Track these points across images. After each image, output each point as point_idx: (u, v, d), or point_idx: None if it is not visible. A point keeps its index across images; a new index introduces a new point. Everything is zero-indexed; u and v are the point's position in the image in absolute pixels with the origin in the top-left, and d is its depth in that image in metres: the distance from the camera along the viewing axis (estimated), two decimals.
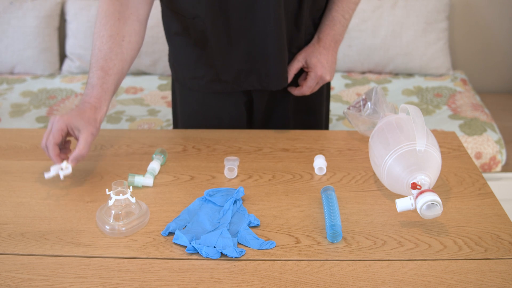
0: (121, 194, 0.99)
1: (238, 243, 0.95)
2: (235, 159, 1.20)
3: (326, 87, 1.48)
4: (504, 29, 2.73)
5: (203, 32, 1.26)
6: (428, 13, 2.57)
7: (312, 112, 1.46)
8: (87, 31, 2.63)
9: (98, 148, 1.27)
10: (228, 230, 0.97)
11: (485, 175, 2.08)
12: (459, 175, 1.16)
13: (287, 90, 1.37)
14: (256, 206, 1.06)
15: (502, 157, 2.10)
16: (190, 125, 1.43)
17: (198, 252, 0.92)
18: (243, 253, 0.92)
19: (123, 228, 0.97)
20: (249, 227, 0.99)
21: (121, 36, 1.17)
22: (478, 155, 2.08)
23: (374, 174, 1.16)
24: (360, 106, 1.26)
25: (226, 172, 1.16)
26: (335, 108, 2.34)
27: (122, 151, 1.27)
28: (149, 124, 2.23)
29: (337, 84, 2.57)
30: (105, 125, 2.21)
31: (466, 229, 0.98)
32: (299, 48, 1.34)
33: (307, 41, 1.35)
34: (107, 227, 0.97)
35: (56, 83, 2.60)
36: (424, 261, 0.91)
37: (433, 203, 0.93)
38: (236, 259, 0.91)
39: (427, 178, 0.98)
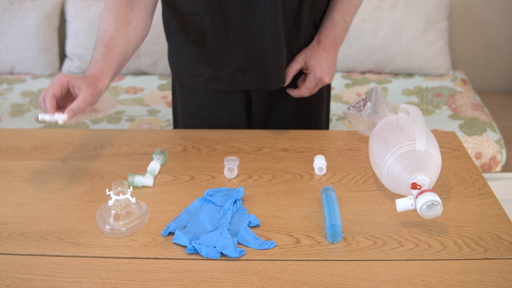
0: (121, 194, 0.99)
1: (238, 243, 0.95)
2: (235, 159, 1.20)
3: (327, 89, 1.48)
4: (504, 29, 2.73)
5: (202, 30, 1.26)
6: (428, 13, 2.57)
7: (311, 114, 1.46)
8: (87, 31, 2.63)
9: (98, 148, 1.27)
10: (228, 230, 0.97)
11: (485, 175, 2.08)
12: (459, 175, 1.16)
13: (286, 92, 1.37)
14: (256, 206, 1.06)
15: (502, 157, 2.10)
16: (190, 125, 1.43)
17: (198, 252, 0.92)
18: (243, 253, 0.92)
19: (123, 228, 0.97)
20: (249, 227, 0.99)
21: (128, 20, 1.18)
22: (478, 155, 2.08)
23: (374, 174, 1.16)
24: (360, 106, 1.26)
25: (226, 172, 1.16)
26: (335, 108, 2.34)
27: (122, 151, 1.27)
28: (149, 124, 2.23)
29: (337, 84, 2.57)
30: (105, 125, 2.21)
31: (466, 229, 0.98)
32: (299, 49, 1.34)
33: (307, 42, 1.35)
34: (107, 227, 0.97)
35: None
36: (424, 261, 0.91)
37: (433, 203, 0.93)
38: (236, 259, 0.91)
39: (427, 178, 0.98)
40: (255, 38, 1.25)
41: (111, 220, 0.97)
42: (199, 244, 0.92)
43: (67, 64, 2.71)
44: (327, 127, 1.54)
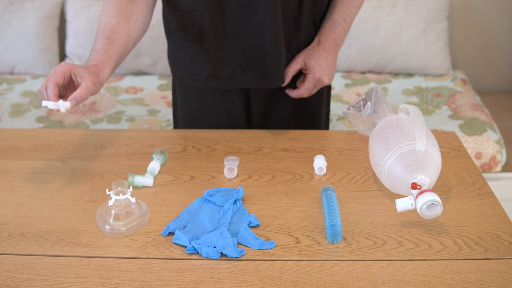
0: (121, 194, 0.99)
1: (238, 243, 0.95)
2: (235, 159, 1.20)
3: (327, 89, 1.48)
4: (504, 29, 2.73)
5: (201, 27, 1.26)
6: (428, 13, 2.57)
7: (311, 114, 1.45)
8: (87, 31, 2.62)
9: (98, 148, 1.27)
10: (228, 230, 0.97)
11: (485, 175, 2.08)
12: (459, 175, 1.16)
13: (286, 92, 1.37)
14: (256, 206, 1.06)
15: (502, 157, 2.10)
16: (190, 125, 1.43)
17: (198, 252, 0.92)
18: (243, 253, 0.92)
19: (123, 228, 0.97)
20: (249, 227, 0.99)
21: (129, 13, 1.18)
22: (478, 155, 2.08)
23: (374, 174, 1.16)
24: (360, 106, 1.26)
25: (226, 172, 1.16)
26: (335, 108, 2.34)
27: (122, 151, 1.27)
28: (149, 124, 2.23)
29: (337, 84, 2.57)
30: (105, 125, 2.21)
31: (466, 229, 0.98)
32: (299, 49, 1.34)
33: (307, 42, 1.35)
34: (107, 227, 0.97)
35: None
36: (424, 261, 0.91)
37: (433, 203, 0.93)
38: (236, 259, 0.91)
39: (427, 178, 0.98)
40: (254, 36, 1.25)
41: (111, 220, 0.97)
42: (199, 244, 0.92)
43: None
44: (327, 127, 1.54)
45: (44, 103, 1.01)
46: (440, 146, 1.13)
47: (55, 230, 0.99)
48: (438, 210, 0.94)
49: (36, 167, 1.19)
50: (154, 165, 1.16)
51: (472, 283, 0.86)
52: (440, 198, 0.95)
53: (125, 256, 0.92)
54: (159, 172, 1.17)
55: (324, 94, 1.45)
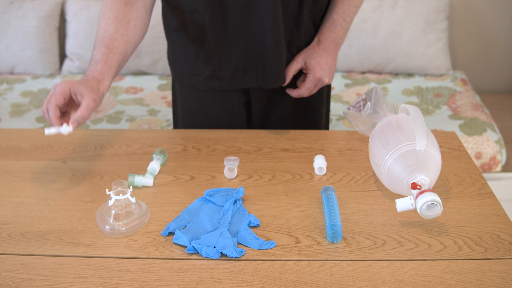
0: (121, 194, 0.99)
1: (238, 243, 0.95)
2: (235, 159, 1.20)
3: (327, 90, 1.48)
4: (504, 29, 2.73)
5: (201, 27, 1.26)
6: (428, 13, 2.57)
7: (311, 114, 1.46)
8: (87, 31, 2.63)
9: (98, 148, 1.27)
10: (228, 230, 0.97)
11: (485, 175, 2.08)
12: (459, 175, 1.16)
13: (286, 92, 1.37)
14: (256, 206, 1.06)
15: (502, 157, 2.10)
16: (190, 125, 1.43)
17: (198, 252, 0.92)
18: (243, 253, 0.92)
19: (123, 228, 0.97)
20: (249, 227, 0.99)
21: (127, 19, 1.18)
22: (478, 155, 2.08)
23: (374, 174, 1.16)
24: (360, 106, 1.26)
25: (226, 172, 1.16)
26: (335, 108, 2.34)
27: (122, 151, 1.27)
28: (149, 124, 2.23)
29: (337, 84, 2.57)
30: (105, 125, 2.21)
31: (466, 229, 0.98)
32: (299, 49, 1.34)
33: (307, 42, 1.35)
34: (107, 227, 0.97)
35: None
36: (424, 261, 0.91)
37: (433, 203, 0.93)
38: (236, 259, 0.91)
39: (427, 178, 0.98)
40: (254, 36, 1.25)
41: (111, 220, 0.97)
42: (199, 244, 0.92)
43: (67, 64, 2.71)
44: (327, 127, 1.54)
45: (47, 131, 1.03)
46: (440, 146, 1.13)
47: (55, 230, 0.99)
48: (438, 210, 0.94)
49: (36, 167, 1.19)
50: (154, 165, 1.16)
51: (472, 283, 0.86)
52: (440, 198, 0.95)
53: (125, 256, 0.92)
54: (159, 172, 1.18)
55: (324, 94, 1.45)
